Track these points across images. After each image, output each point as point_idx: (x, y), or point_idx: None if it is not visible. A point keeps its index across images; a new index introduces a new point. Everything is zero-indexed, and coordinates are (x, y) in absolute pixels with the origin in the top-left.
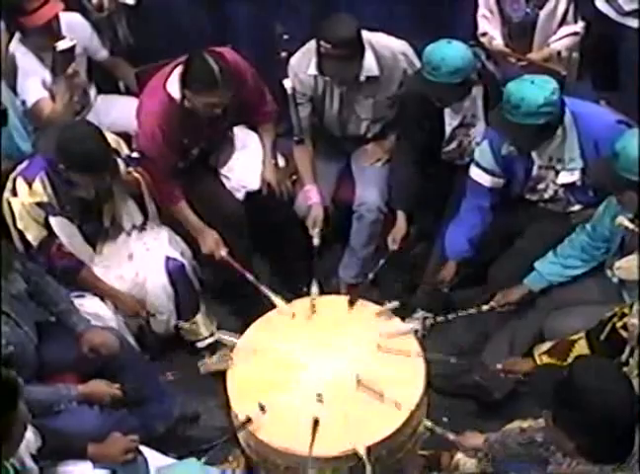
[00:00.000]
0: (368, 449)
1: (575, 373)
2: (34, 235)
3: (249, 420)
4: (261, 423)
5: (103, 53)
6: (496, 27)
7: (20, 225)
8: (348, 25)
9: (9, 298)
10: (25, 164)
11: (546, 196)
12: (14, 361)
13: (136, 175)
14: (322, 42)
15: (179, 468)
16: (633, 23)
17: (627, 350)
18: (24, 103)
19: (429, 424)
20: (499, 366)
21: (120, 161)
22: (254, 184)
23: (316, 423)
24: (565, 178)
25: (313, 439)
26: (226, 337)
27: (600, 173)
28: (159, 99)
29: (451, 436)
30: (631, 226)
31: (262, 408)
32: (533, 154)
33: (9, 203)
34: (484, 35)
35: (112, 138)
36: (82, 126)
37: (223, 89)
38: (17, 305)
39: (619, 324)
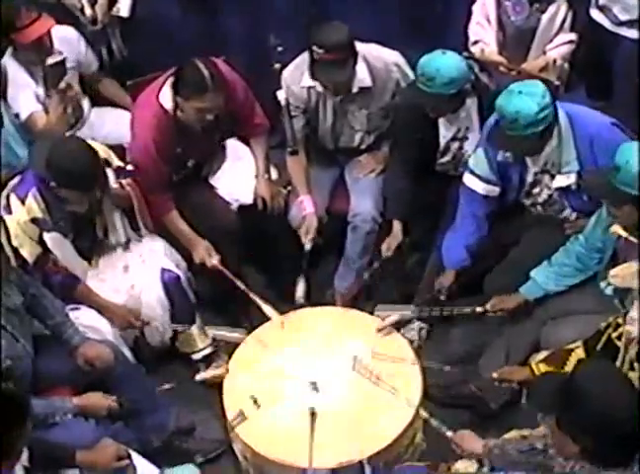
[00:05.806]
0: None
1: (578, 376)
2: (29, 252)
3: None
4: (258, 436)
5: (95, 67)
6: (491, 34)
7: (15, 243)
8: (340, 30)
9: (6, 312)
10: (16, 181)
11: (540, 199)
12: (11, 375)
13: (127, 188)
14: (314, 48)
15: (177, 472)
16: (628, 33)
17: (620, 357)
18: (17, 116)
19: (425, 414)
20: (494, 375)
21: (110, 173)
22: (247, 198)
23: (313, 416)
24: (561, 181)
25: (311, 449)
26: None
27: (597, 184)
28: (152, 111)
29: (449, 433)
30: (625, 234)
31: (255, 401)
32: (528, 161)
33: (3, 221)
34: (476, 43)
35: (101, 149)
36: (71, 143)
37: (214, 93)
38: (14, 319)
39: (614, 334)
